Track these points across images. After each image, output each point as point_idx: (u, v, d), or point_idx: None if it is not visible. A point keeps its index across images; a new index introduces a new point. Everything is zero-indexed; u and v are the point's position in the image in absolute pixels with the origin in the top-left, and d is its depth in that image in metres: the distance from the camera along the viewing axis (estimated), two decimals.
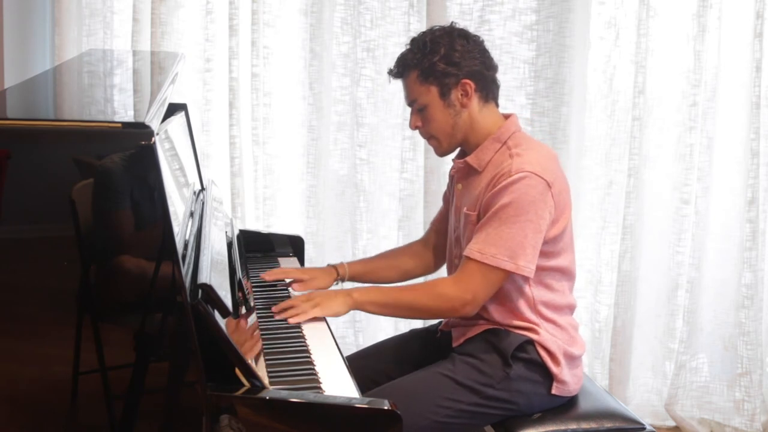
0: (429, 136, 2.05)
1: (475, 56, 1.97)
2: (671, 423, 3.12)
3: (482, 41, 2.02)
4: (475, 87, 1.97)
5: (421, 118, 2.02)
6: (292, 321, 1.89)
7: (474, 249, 1.89)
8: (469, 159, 2.01)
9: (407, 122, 3.07)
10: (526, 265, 1.88)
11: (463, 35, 1.99)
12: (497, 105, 2.04)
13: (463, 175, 2.06)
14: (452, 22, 2.03)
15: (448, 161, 3.03)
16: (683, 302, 3.08)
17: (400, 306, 1.96)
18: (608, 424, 1.96)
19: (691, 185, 3.02)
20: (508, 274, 1.90)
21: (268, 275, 2.16)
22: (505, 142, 1.97)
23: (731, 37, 2.97)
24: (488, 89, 2.00)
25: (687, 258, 3.05)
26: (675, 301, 3.09)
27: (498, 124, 2.00)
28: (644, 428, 1.97)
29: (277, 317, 1.92)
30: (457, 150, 2.10)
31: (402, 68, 2.01)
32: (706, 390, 3.13)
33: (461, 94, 1.96)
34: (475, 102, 1.98)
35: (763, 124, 2.95)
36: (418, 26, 2.99)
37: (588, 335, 3.14)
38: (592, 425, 1.95)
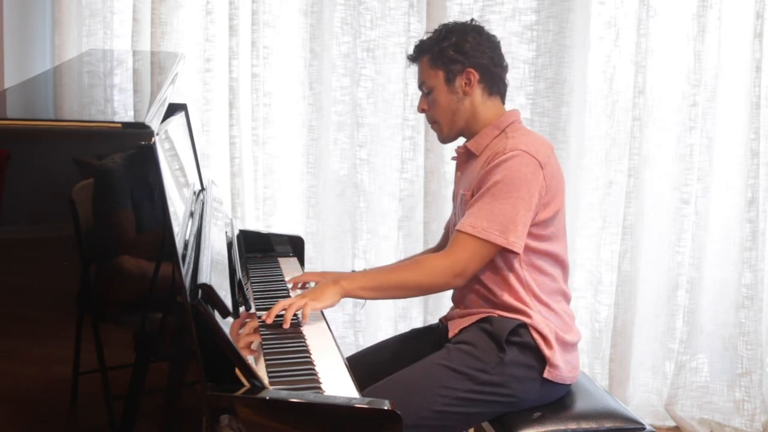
0: (432, 121, 2.13)
1: (484, 50, 2.05)
2: (671, 423, 3.12)
3: (498, 41, 2.10)
4: (478, 78, 2.04)
5: (427, 102, 2.10)
6: (304, 318, 1.87)
7: (466, 223, 1.94)
8: (469, 144, 2.09)
9: (407, 122, 3.12)
10: (516, 241, 1.93)
11: (478, 30, 2.08)
12: (503, 101, 2.11)
13: (462, 161, 2.14)
14: (472, 19, 2.13)
15: (448, 162, 3.07)
16: (683, 302, 3.08)
17: (391, 286, 1.99)
18: (608, 424, 1.96)
19: (691, 185, 3.02)
20: (498, 249, 1.95)
21: (290, 281, 2.19)
22: (503, 129, 2.04)
23: (731, 37, 2.97)
24: (493, 83, 2.07)
25: (687, 258, 3.05)
26: (675, 301, 3.09)
27: (499, 115, 2.07)
28: (644, 428, 1.97)
29: (269, 322, 1.86)
30: (462, 141, 2.15)
31: (417, 52, 2.11)
32: (706, 390, 3.13)
33: (465, 82, 2.04)
34: (477, 92, 2.05)
35: (763, 124, 2.95)
36: (418, 26, 3.00)
37: (588, 335, 3.14)
38: (592, 425, 1.95)
